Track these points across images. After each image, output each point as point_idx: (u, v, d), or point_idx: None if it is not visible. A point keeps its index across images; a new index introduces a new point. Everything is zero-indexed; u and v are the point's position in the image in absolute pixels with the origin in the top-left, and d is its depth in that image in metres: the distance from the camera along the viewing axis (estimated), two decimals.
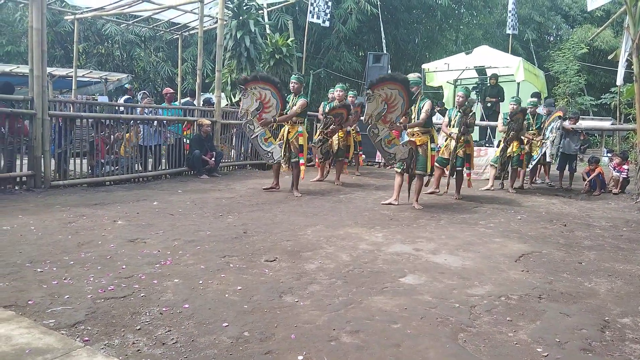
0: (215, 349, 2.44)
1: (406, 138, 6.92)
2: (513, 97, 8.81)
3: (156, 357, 2.34)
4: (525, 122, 8.37)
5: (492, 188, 8.49)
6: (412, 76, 6.65)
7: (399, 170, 6.66)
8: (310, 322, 2.77)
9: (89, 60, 18.85)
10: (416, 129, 6.46)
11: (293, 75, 7.49)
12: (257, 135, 7.30)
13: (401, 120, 6.41)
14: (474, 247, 4.55)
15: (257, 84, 7.09)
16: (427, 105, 6.37)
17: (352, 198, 7.24)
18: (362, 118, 6.82)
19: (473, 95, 12.07)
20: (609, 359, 2.47)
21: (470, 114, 7.36)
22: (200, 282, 3.37)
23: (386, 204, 6.66)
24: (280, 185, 7.69)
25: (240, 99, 7.39)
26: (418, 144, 6.48)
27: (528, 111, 8.66)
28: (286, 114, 7.23)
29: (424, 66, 13.89)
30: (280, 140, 7.47)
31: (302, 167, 7.30)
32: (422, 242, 4.70)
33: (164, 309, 2.89)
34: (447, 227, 5.41)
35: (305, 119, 7.58)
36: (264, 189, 7.66)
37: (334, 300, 3.12)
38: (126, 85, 14.39)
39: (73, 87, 11.90)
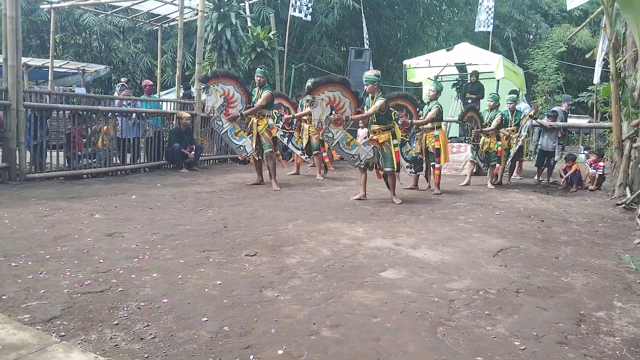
0: (194, 343, 2.42)
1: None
2: (491, 94, 8.90)
3: (134, 352, 2.31)
4: (501, 118, 8.33)
5: (470, 183, 8.56)
6: (369, 73, 6.46)
7: (362, 166, 6.63)
8: (291, 317, 2.77)
9: (66, 51, 18.44)
10: (375, 126, 6.40)
11: (258, 69, 7.44)
12: (226, 131, 7.32)
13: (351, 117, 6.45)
14: (453, 242, 4.59)
15: (218, 80, 7.12)
16: (379, 102, 6.21)
17: (333, 193, 7.25)
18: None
19: (454, 92, 12.19)
20: (585, 351, 2.51)
21: (434, 105, 7.37)
22: (180, 276, 3.34)
23: (356, 199, 6.63)
24: (265, 181, 7.66)
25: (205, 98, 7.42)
26: (380, 141, 6.37)
27: (507, 107, 8.74)
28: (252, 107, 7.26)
29: (405, 62, 13.95)
30: (249, 133, 7.43)
31: (280, 158, 7.52)
32: (403, 237, 4.73)
33: (142, 304, 2.85)
34: (427, 222, 5.45)
35: (272, 111, 7.65)
36: (248, 184, 7.65)
37: (314, 294, 3.12)
38: (122, 80, 14.15)
39: (49, 78, 11.67)
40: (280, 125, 8.62)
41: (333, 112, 6.35)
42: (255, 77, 7.38)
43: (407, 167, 7.36)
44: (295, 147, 8.97)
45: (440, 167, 7.58)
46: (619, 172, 7.48)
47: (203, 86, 7.20)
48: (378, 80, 6.33)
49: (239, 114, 7.23)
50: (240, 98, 7.28)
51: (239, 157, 8.66)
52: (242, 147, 7.43)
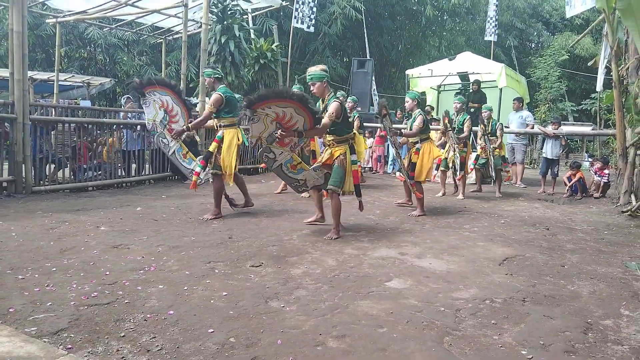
0: (200, 355, 2.42)
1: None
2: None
3: None
4: (471, 122, 8.18)
5: (444, 194, 8.28)
6: (313, 69, 5.12)
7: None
8: (297, 327, 2.77)
9: (71, 64, 18.63)
10: (329, 137, 5.11)
11: (205, 70, 6.02)
12: (174, 151, 6.36)
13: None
14: (458, 251, 4.59)
15: (154, 88, 6.21)
16: (331, 106, 4.89)
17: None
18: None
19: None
20: None
21: (418, 115, 6.57)
22: (185, 288, 3.35)
23: (310, 222, 5.60)
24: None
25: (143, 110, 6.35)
26: (334, 157, 5.08)
27: (483, 115, 8.72)
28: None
29: (407, 72, 14.01)
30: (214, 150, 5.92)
31: (195, 177, 5.88)
32: (407, 246, 4.72)
33: (148, 316, 2.85)
34: (432, 231, 5.44)
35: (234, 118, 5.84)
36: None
37: (320, 305, 3.12)
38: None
39: (55, 91, 11.75)
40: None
41: (280, 130, 4.98)
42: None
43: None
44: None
45: (415, 184, 6.47)
46: (624, 180, 7.46)
47: (138, 94, 6.25)
48: (326, 76, 5.07)
49: (184, 128, 5.99)
50: (180, 111, 6.34)
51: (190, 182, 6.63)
52: (192, 171, 6.33)
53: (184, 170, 6.37)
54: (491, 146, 8.50)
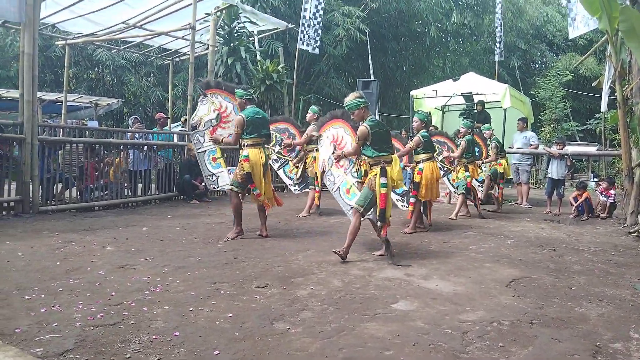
0: None
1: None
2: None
3: None
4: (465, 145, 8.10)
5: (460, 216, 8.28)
6: (350, 98, 5.09)
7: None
8: (303, 350, 2.75)
9: (79, 85, 18.87)
10: (366, 158, 5.08)
11: (237, 91, 6.06)
12: (205, 151, 6.25)
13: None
14: (464, 272, 4.56)
15: (220, 92, 6.22)
16: (358, 131, 5.00)
17: (343, 222, 7.23)
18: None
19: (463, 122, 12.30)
20: None
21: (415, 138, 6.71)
22: (191, 309, 3.34)
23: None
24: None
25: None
26: (368, 177, 5.08)
27: (485, 134, 9.00)
28: None
29: (412, 92, 14.11)
30: (229, 166, 6.34)
31: (261, 198, 5.84)
32: (414, 267, 4.70)
33: (154, 337, 2.85)
34: (438, 252, 5.42)
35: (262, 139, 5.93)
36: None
37: (326, 326, 3.10)
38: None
39: (63, 112, 11.90)
40: (276, 149, 7.99)
41: (335, 150, 5.49)
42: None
43: (397, 200, 6.70)
44: (287, 175, 8.23)
45: (415, 203, 6.64)
46: (630, 200, 7.43)
47: (202, 92, 6.20)
48: (362, 102, 5.02)
49: (223, 138, 6.10)
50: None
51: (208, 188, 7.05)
52: (214, 177, 6.32)
53: (206, 172, 6.31)
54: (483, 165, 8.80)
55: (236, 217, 5.89)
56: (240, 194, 5.87)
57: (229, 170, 6.33)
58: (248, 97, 5.92)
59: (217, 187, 6.47)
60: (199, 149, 6.24)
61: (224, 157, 6.53)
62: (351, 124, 5.54)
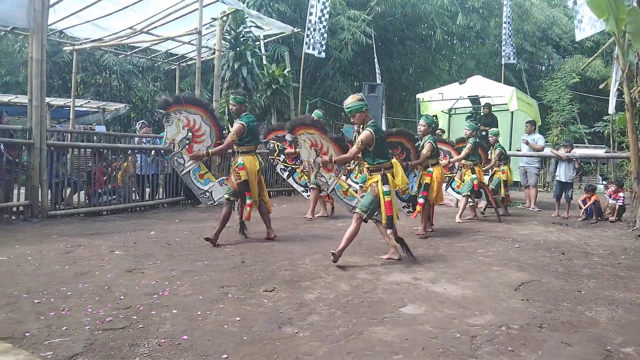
0: None
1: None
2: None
3: None
4: (470, 147, 8.08)
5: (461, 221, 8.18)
6: (351, 100, 4.98)
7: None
8: (311, 354, 2.75)
9: (86, 90, 18.97)
10: (365, 165, 5.11)
11: (231, 96, 5.97)
12: (189, 171, 6.06)
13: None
14: (473, 276, 4.54)
15: (182, 107, 5.96)
16: (363, 134, 4.88)
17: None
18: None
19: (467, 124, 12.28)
20: None
21: (426, 142, 6.66)
22: (199, 312, 3.34)
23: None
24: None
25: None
26: (366, 185, 5.10)
27: (490, 140, 9.00)
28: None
29: (418, 95, 14.10)
30: (221, 177, 6.23)
31: (248, 209, 5.82)
32: (421, 270, 4.69)
33: (162, 341, 2.85)
34: (446, 256, 5.41)
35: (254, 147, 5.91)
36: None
37: (334, 330, 3.10)
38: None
39: (71, 117, 11.98)
40: (281, 159, 8.07)
41: (318, 155, 5.55)
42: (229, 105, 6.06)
43: (403, 206, 6.41)
44: (297, 183, 8.31)
45: (424, 204, 6.63)
46: (639, 203, 7.37)
47: (162, 113, 5.92)
48: (364, 105, 4.93)
49: (204, 153, 5.91)
50: (208, 131, 6.07)
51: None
52: (207, 193, 6.17)
53: (197, 191, 6.13)
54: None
55: (220, 225, 5.71)
56: (232, 204, 5.85)
57: (219, 181, 6.22)
58: (245, 103, 5.86)
59: (214, 202, 6.30)
60: (182, 170, 6.03)
61: (210, 171, 6.35)
62: (324, 132, 5.60)
